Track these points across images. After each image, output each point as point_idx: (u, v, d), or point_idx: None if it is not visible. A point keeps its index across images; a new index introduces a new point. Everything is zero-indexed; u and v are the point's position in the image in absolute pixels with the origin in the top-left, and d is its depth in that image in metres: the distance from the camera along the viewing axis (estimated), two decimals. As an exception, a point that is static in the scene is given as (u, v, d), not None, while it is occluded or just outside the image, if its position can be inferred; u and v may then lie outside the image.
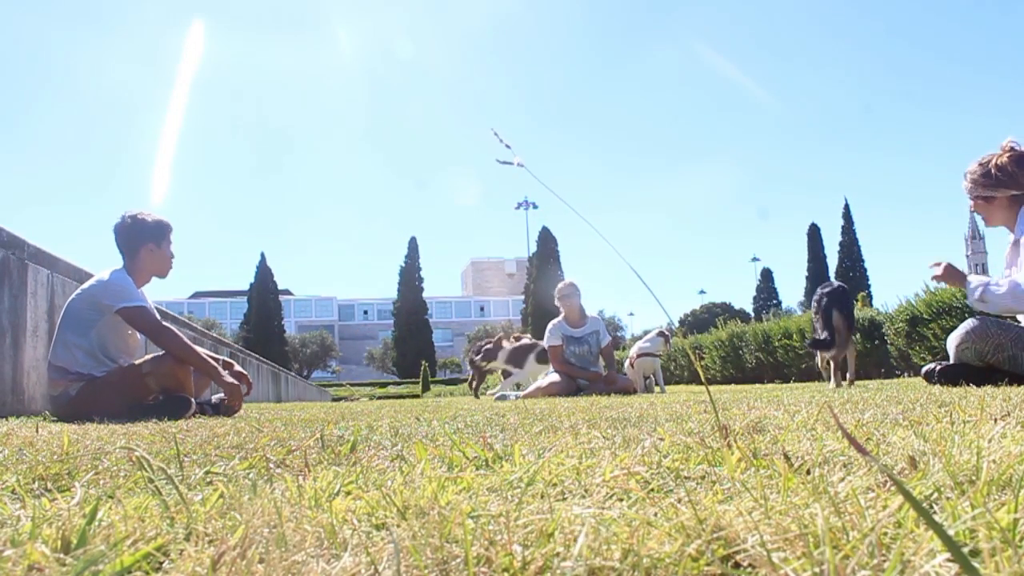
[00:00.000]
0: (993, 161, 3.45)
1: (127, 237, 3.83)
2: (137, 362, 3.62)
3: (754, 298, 71.54)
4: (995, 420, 1.36)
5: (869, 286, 61.38)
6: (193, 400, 3.65)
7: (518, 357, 8.50)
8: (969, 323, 3.47)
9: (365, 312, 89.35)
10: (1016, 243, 3.43)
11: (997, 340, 3.35)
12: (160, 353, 3.67)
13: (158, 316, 3.82)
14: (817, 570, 0.51)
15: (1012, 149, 3.43)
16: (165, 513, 0.76)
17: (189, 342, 3.77)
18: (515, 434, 1.63)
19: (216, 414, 3.83)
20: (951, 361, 3.61)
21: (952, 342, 3.57)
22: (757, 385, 9.46)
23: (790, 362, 11.91)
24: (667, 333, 7.78)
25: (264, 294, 63.77)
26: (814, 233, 66.66)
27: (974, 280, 3.53)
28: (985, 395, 2.27)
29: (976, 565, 0.45)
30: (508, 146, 1.13)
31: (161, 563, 0.61)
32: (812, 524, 0.58)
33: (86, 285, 3.82)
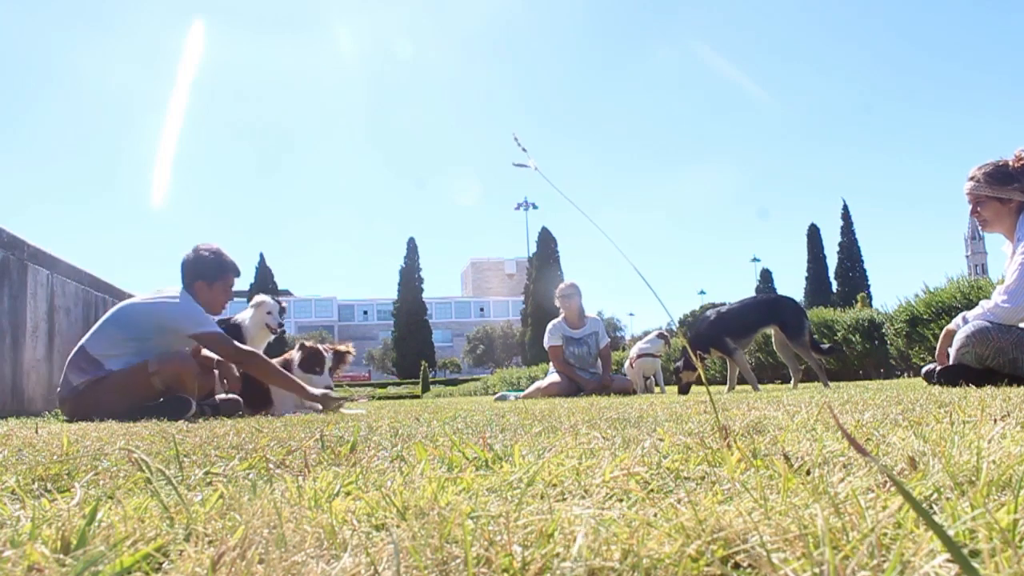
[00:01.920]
0: (1012, 163, 3.47)
1: (185, 270, 3.94)
2: (144, 361, 3.61)
3: (754, 299, 71.51)
4: (995, 421, 1.36)
5: (869, 286, 61.43)
6: (193, 400, 3.65)
7: None
8: (971, 326, 3.48)
9: (365, 312, 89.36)
10: (1014, 252, 3.46)
11: (997, 344, 3.36)
12: (167, 352, 3.67)
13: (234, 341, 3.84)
14: (817, 570, 0.51)
15: None
16: (165, 514, 0.76)
17: (276, 365, 3.81)
18: (515, 435, 1.63)
19: (216, 415, 3.83)
20: (951, 362, 3.62)
21: (954, 343, 3.57)
22: (757, 385, 9.46)
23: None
24: (667, 334, 7.78)
25: (264, 294, 63.67)
26: (814, 233, 66.67)
27: (961, 322, 3.64)
28: (985, 396, 2.26)
29: (976, 566, 0.45)
30: (524, 149, 1.13)
31: (161, 564, 0.61)
32: (812, 525, 0.58)
33: (150, 300, 3.82)
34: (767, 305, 6.29)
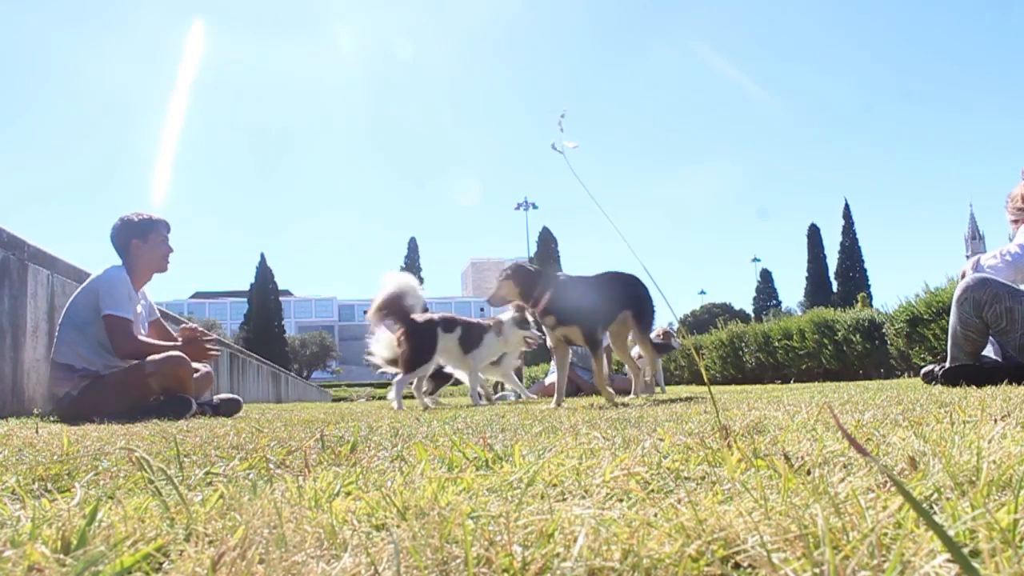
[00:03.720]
0: None
1: (116, 236, 3.91)
2: (140, 362, 3.62)
3: (754, 299, 71.47)
4: (995, 421, 1.36)
5: (869, 286, 61.46)
6: (194, 401, 3.66)
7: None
8: (972, 276, 3.55)
9: (365, 312, 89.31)
10: None
11: (995, 290, 3.43)
12: (165, 354, 3.68)
13: (139, 330, 3.80)
14: (817, 571, 0.51)
15: None
16: (165, 514, 0.76)
17: (157, 343, 3.75)
18: (515, 435, 1.63)
19: (216, 415, 3.84)
20: (949, 361, 3.63)
21: (954, 298, 3.62)
22: (757, 385, 9.47)
23: (790, 362, 11.93)
24: (670, 333, 7.77)
25: (264, 294, 63.80)
26: (814, 234, 66.66)
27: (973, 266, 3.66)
28: (985, 396, 2.26)
29: (976, 566, 0.45)
30: (562, 129, 1.13)
31: (161, 564, 0.61)
32: (812, 525, 0.58)
33: (86, 283, 3.85)
34: (625, 284, 4.21)
